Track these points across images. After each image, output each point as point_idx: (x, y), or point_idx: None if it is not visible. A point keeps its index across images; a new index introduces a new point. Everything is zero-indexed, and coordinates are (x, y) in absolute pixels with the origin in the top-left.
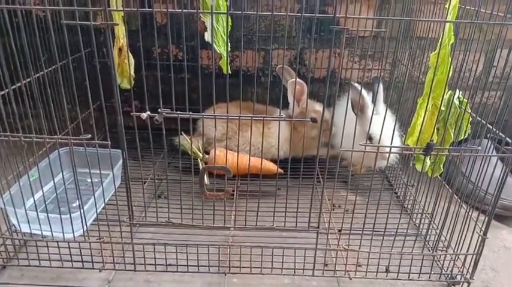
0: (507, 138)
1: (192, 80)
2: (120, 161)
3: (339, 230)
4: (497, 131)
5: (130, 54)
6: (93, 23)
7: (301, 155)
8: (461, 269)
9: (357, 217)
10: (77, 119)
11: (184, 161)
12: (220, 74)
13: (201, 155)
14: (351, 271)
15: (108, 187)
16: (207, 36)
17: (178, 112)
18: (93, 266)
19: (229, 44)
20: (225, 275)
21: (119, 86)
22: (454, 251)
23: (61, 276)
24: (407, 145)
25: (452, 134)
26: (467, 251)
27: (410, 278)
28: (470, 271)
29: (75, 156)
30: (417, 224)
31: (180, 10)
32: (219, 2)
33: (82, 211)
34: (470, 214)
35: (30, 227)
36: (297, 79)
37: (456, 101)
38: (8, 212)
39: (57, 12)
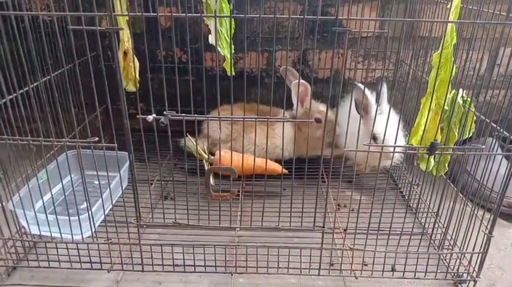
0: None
1: (197, 82)
2: (127, 163)
3: (345, 230)
4: (502, 130)
5: (135, 57)
6: (98, 28)
7: (305, 155)
8: (468, 268)
9: (362, 216)
10: (83, 122)
11: (190, 162)
12: (224, 76)
13: (206, 156)
14: (356, 270)
15: (115, 189)
16: (211, 39)
17: (184, 114)
18: (101, 267)
19: (233, 46)
20: (232, 275)
21: (125, 89)
22: (460, 250)
23: (70, 277)
24: (411, 145)
25: (456, 133)
26: (473, 249)
27: (416, 277)
28: (476, 269)
29: (83, 158)
30: (423, 223)
31: (184, 14)
32: (222, 5)
33: (90, 212)
34: (475, 212)
35: (39, 229)
36: (301, 80)
37: (460, 100)
38: (17, 214)
39: (63, 17)
